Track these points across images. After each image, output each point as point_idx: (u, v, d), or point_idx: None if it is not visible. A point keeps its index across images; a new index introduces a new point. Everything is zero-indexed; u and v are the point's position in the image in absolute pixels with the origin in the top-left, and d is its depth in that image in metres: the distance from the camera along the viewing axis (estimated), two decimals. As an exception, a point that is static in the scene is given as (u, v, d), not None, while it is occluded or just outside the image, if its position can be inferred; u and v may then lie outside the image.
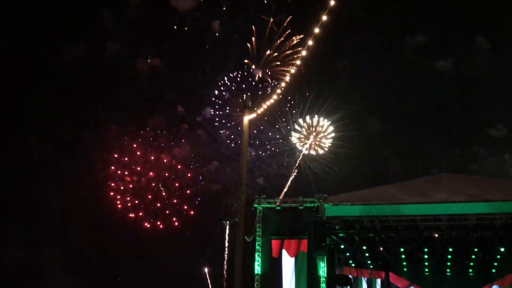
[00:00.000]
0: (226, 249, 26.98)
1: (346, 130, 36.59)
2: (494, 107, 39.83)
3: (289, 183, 26.62)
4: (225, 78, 33.31)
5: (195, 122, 35.04)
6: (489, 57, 40.51)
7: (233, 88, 33.07)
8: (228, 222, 22.36)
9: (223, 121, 35.21)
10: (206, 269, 28.45)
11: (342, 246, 26.37)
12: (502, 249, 26.45)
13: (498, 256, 28.01)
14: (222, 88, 34.26)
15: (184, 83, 35.39)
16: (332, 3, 12.93)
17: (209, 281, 28.37)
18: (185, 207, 34.83)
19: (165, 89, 36.28)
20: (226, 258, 27.11)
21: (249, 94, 22.39)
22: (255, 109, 19.84)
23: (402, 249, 28.20)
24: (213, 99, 34.93)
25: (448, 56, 40.75)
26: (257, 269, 23.71)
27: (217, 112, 35.04)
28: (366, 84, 39.28)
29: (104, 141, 35.99)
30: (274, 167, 33.37)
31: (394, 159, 40.56)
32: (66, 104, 38.16)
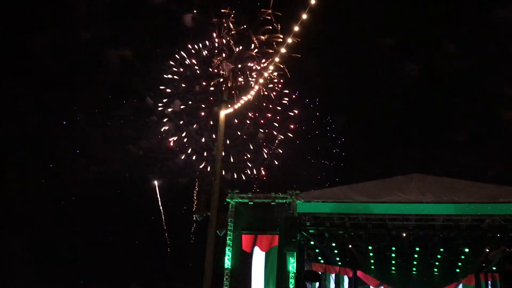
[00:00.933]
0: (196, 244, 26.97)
1: (312, 128, 37.16)
2: (458, 111, 40.88)
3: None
4: (196, 70, 33.08)
5: (163, 115, 34.73)
6: (455, 60, 41.46)
7: (203, 81, 32.90)
8: (200, 216, 22.28)
9: (192, 114, 35.08)
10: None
11: (312, 243, 26.70)
12: (467, 250, 27.20)
13: (463, 257, 28.76)
14: (192, 81, 34.07)
15: (153, 75, 35.01)
16: (313, 2, 12.94)
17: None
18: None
19: (134, 80, 35.86)
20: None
21: (224, 88, 22.34)
22: (232, 104, 19.83)
23: (370, 247, 28.72)
24: (182, 91, 34.70)
25: (415, 58, 41.55)
26: (227, 263, 23.83)
27: (186, 106, 34.86)
28: (333, 84, 39.70)
29: (70, 130, 35.43)
30: (242, 163, 33.45)
31: (358, 159, 41.32)
32: (32, 91, 37.38)
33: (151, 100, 34.62)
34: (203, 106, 33.49)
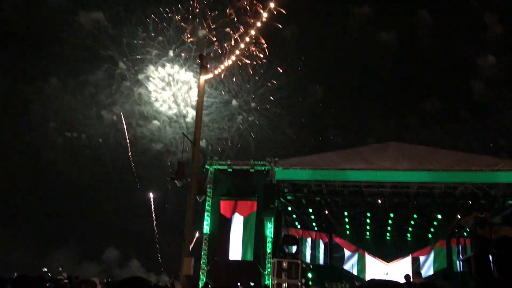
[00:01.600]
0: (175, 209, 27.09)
1: (288, 97, 37.21)
2: (430, 81, 41.37)
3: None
4: (170, 33, 32.48)
5: (137, 80, 34.21)
6: (430, 31, 41.64)
7: (176, 47, 32.38)
8: (179, 182, 22.27)
9: (166, 80, 34.65)
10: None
11: (290, 209, 27.13)
12: (439, 216, 28.02)
13: (435, 223, 29.64)
14: (166, 46, 33.55)
15: (127, 40, 34.28)
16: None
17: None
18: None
19: (107, 45, 35.03)
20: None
21: (204, 54, 22.01)
22: (212, 69, 19.58)
23: (346, 213, 29.36)
24: (156, 56, 34.17)
25: (390, 28, 41.54)
26: (206, 228, 24.09)
27: (161, 71, 34.37)
28: (310, 53, 39.51)
29: (42, 95, 34.61)
30: (216, 131, 33.41)
31: (334, 127, 41.69)
32: (1, 55, 36.21)
33: (124, 66, 33.96)
34: (177, 71, 33.06)
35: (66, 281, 13.43)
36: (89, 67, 34.68)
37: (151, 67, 34.03)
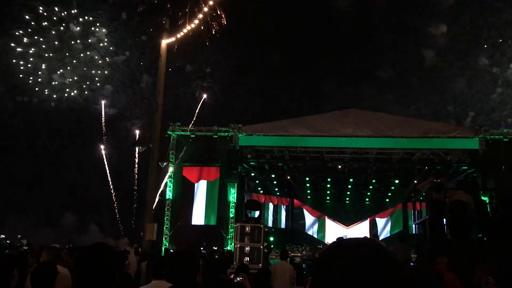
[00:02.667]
0: (136, 175, 26.90)
1: (245, 65, 37.07)
2: (384, 49, 42.06)
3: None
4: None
5: (88, 44, 33.08)
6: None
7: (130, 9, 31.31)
8: (141, 148, 22.12)
9: (118, 44, 33.77)
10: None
11: (253, 174, 27.44)
12: (397, 181, 28.96)
13: (393, 187, 30.64)
14: (118, 8, 32.50)
15: (78, 1, 32.89)
16: None
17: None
18: None
19: (57, 5, 33.41)
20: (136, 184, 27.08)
21: (166, 17, 21.49)
22: (174, 32, 19.24)
23: (307, 178, 29.95)
24: (107, 19, 33.07)
25: None
26: (169, 194, 24.08)
27: (112, 35, 33.36)
28: (266, 19, 38.97)
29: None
30: (170, 97, 33.09)
31: (289, 94, 41.90)
32: None
33: (76, 28, 32.69)
34: (131, 35, 32.18)
35: (26, 247, 13.23)
36: (38, 30, 33.10)
37: (103, 30, 32.93)
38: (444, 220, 11.01)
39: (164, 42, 18.70)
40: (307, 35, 40.94)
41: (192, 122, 24.71)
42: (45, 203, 33.47)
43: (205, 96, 27.90)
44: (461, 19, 38.12)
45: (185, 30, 18.81)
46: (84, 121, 33.62)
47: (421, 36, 40.87)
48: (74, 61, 32.84)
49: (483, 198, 18.20)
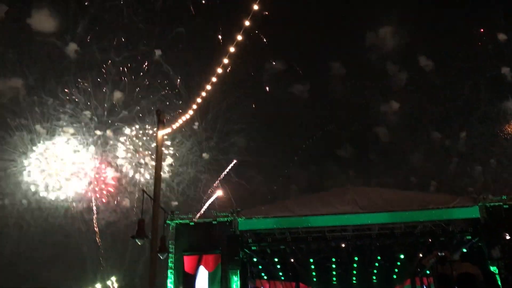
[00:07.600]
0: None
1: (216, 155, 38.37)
2: (345, 129, 43.85)
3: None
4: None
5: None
6: (343, 82, 44.25)
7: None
8: (140, 240, 21.72)
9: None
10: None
11: (255, 259, 26.83)
12: (402, 256, 28.36)
13: (398, 263, 29.95)
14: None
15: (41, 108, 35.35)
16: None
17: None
18: None
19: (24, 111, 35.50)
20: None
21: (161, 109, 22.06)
22: (170, 124, 19.60)
23: (311, 260, 29.29)
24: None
25: (305, 80, 43.69)
26: (170, 286, 23.39)
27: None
28: (234, 107, 40.55)
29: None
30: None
31: (257, 177, 42.66)
32: None
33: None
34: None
35: None
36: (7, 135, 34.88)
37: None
38: (453, 293, 10.73)
39: (161, 133, 19.03)
40: (270, 120, 42.56)
41: (198, 215, 24.74)
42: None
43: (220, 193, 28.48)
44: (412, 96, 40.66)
45: (180, 121, 19.20)
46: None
47: (375, 114, 43.20)
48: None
49: (491, 267, 17.83)
